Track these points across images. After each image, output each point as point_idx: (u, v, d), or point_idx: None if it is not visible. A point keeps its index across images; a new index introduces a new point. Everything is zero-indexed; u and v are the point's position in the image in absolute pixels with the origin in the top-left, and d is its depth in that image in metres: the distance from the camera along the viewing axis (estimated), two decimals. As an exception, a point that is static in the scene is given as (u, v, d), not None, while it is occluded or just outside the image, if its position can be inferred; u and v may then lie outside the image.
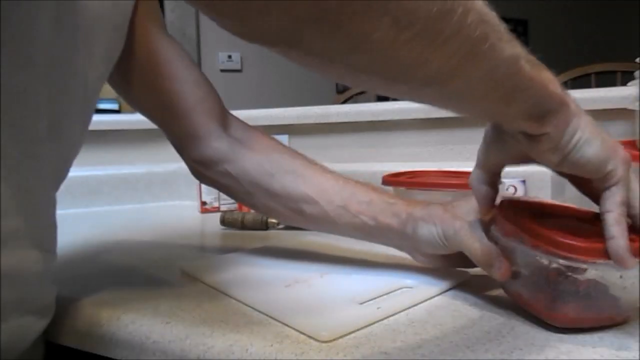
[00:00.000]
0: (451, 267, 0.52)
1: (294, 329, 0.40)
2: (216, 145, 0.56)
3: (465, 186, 0.71)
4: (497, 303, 0.44)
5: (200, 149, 0.57)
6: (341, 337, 0.38)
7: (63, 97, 0.43)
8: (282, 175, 0.55)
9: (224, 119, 0.58)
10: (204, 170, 0.58)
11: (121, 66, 0.53)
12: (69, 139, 0.46)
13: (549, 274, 0.40)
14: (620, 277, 0.39)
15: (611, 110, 0.84)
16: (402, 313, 0.43)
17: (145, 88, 0.56)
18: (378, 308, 0.43)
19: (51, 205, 0.44)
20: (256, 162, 0.56)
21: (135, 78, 0.56)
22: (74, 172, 0.50)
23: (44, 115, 0.40)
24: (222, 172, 0.57)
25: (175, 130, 0.58)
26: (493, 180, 0.44)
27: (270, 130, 0.59)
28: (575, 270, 0.39)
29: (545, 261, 0.40)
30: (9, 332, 0.38)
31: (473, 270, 0.49)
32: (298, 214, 0.55)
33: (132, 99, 0.59)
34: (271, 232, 0.81)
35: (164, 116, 0.58)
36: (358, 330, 0.39)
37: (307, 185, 0.54)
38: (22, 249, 0.39)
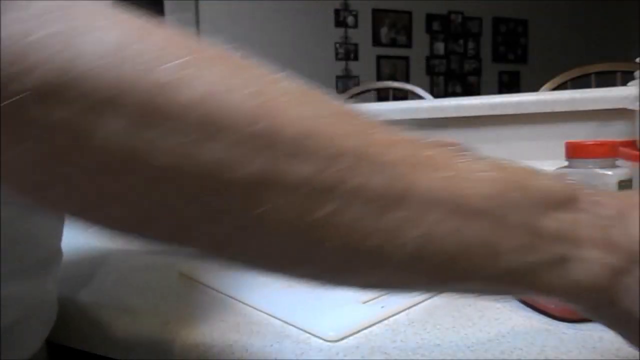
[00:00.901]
0: None
1: (299, 328, 0.40)
2: None
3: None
4: (497, 303, 0.44)
5: None
6: (348, 336, 0.38)
7: None
8: None
9: None
10: None
11: None
12: None
13: None
14: None
15: (611, 110, 0.83)
16: (402, 313, 0.43)
17: None
18: (382, 307, 0.43)
19: (59, 232, 0.45)
20: None
21: None
22: (74, 172, 0.50)
23: None
24: None
25: None
26: None
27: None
28: None
29: None
30: (13, 343, 0.38)
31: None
32: None
33: None
34: (271, 232, 0.81)
35: None
36: (364, 329, 0.40)
37: None
38: (29, 278, 0.39)
